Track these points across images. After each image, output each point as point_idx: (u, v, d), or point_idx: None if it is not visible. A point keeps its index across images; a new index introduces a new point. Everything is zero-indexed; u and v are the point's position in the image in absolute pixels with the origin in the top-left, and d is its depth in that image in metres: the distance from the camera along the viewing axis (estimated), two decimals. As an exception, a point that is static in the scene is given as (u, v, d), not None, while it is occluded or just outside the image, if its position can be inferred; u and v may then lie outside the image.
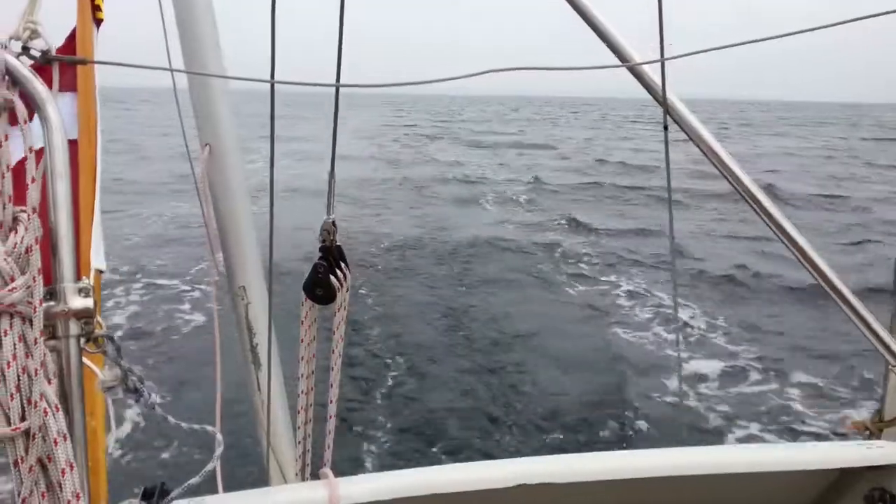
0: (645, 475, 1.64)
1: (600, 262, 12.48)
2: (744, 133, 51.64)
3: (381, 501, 1.49)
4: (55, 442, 0.85)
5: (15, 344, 0.83)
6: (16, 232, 0.85)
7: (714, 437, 6.03)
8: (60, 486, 0.86)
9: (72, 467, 0.86)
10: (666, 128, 1.78)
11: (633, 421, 6.29)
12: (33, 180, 0.85)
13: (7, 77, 0.84)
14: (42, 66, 0.93)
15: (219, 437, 1.23)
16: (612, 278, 11.36)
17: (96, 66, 1.61)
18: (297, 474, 1.92)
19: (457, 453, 5.64)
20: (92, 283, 0.93)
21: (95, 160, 1.60)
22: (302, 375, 1.75)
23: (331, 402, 1.76)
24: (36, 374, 0.84)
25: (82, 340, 0.93)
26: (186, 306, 9.19)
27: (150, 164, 23.84)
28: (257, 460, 2.05)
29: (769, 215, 1.76)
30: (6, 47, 0.85)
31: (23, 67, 0.86)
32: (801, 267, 1.79)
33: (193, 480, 1.16)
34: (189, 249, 12.00)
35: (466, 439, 5.91)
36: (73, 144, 1.49)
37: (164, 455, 5.38)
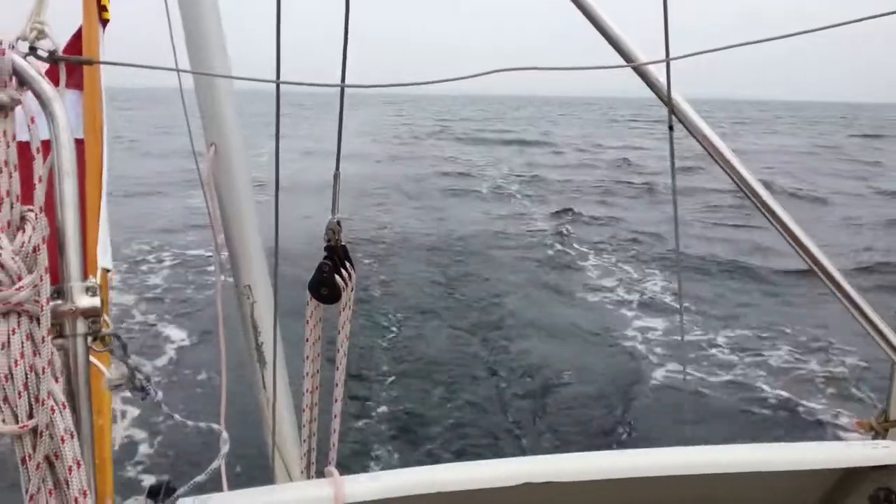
0: (651, 474, 1.64)
1: (576, 234, 14.19)
2: (736, 130, 51.88)
3: (386, 499, 1.49)
4: (62, 440, 0.86)
5: (22, 342, 0.84)
6: (23, 231, 0.85)
7: (713, 434, 6.04)
8: (67, 484, 0.86)
9: (79, 465, 0.87)
10: (671, 128, 1.77)
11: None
12: (40, 180, 0.86)
13: (14, 77, 0.84)
14: (49, 66, 0.93)
15: (224, 435, 1.24)
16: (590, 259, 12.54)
17: (102, 66, 1.61)
18: (302, 472, 1.93)
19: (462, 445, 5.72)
20: (99, 281, 0.94)
21: (101, 159, 1.61)
22: (307, 374, 1.75)
23: (336, 400, 1.77)
24: (43, 373, 0.84)
25: (89, 339, 0.93)
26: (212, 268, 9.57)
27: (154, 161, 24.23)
28: (263, 458, 2.06)
29: (777, 217, 1.75)
30: (13, 47, 0.85)
31: (30, 67, 0.86)
32: (799, 263, 1.79)
33: (199, 478, 1.17)
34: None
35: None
36: (79, 144, 1.50)
37: (170, 453, 5.41)
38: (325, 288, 1.61)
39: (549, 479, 1.57)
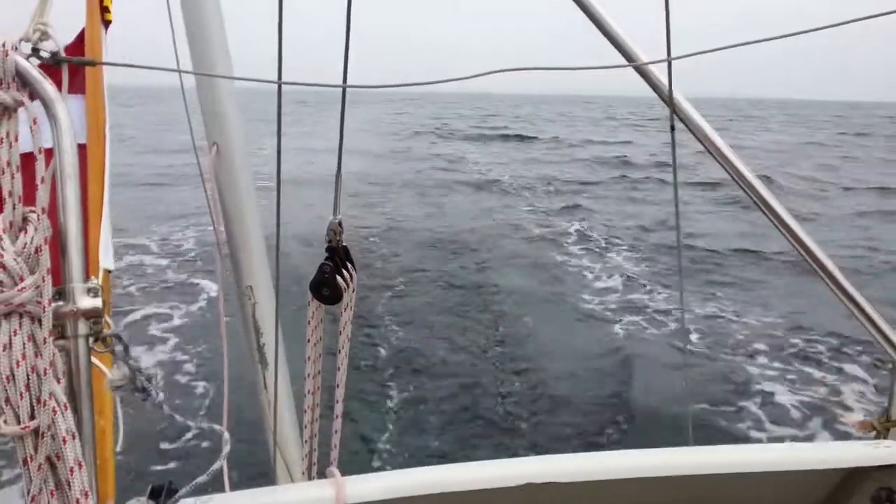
0: (654, 474, 1.64)
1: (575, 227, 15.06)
2: (731, 128, 52.17)
3: (388, 500, 1.49)
4: (64, 440, 0.86)
5: (24, 343, 0.84)
6: (25, 232, 0.86)
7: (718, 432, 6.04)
8: (69, 485, 0.86)
9: (80, 466, 0.87)
10: (673, 127, 1.77)
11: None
12: (43, 181, 0.86)
13: (17, 78, 0.84)
14: (52, 68, 0.93)
15: (226, 435, 1.24)
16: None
17: (105, 66, 1.61)
18: (303, 473, 1.92)
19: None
20: (100, 282, 0.94)
21: (104, 160, 1.61)
22: (308, 375, 1.75)
23: (337, 401, 1.76)
24: (45, 374, 0.84)
25: (91, 340, 0.93)
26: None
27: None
28: (264, 459, 2.06)
29: (779, 218, 1.75)
30: (16, 49, 0.85)
31: (33, 69, 0.86)
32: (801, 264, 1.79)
33: (201, 479, 1.17)
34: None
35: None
36: (81, 145, 1.50)
37: (172, 454, 5.40)
38: (326, 288, 1.61)
39: (550, 480, 1.57)
